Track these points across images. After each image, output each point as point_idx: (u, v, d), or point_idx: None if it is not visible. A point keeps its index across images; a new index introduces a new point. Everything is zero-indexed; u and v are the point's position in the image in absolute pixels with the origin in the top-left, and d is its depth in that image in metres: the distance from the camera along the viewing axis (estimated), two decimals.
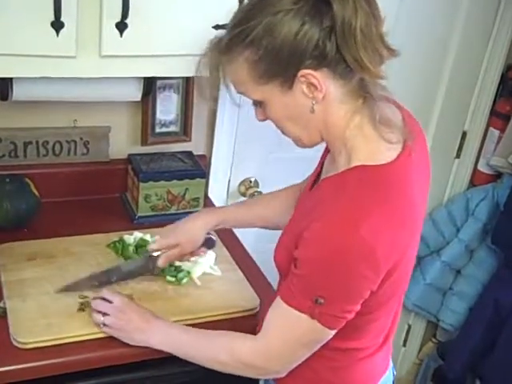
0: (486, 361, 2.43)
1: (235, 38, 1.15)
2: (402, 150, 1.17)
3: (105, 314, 1.39)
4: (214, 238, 1.65)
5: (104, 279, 1.53)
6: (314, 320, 1.14)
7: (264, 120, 1.25)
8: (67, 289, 1.49)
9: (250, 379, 1.33)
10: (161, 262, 1.55)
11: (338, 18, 1.07)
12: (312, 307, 1.13)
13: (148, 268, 1.57)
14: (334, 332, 1.18)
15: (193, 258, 1.61)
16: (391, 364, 1.48)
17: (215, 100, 1.26)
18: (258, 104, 1.22)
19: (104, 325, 1.39)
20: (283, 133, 1.25)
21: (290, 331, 1.20)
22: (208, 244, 1.62)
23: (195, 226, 1.56)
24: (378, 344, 1.34)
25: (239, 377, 1.30)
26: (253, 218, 1.60)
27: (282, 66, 1.12)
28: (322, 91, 1.13)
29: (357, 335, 1.27)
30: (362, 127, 1.17)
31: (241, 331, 1.32)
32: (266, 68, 1.13)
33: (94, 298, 1.43)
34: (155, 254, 1.56)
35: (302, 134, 1.22)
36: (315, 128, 1.20)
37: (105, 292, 1.44)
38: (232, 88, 1.24)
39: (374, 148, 1.16)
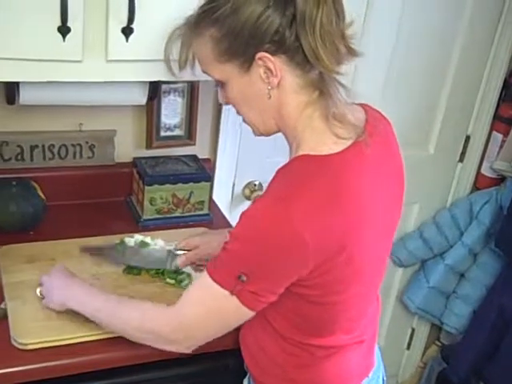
0: (491, 364, 2.43)
1: (204, 13, 1.21)
2: (352, 145, 1.19)
3: (41, 286, 1.45)
4: None
5: (117, 255, 1.57)
6: (233, 296, 1.16)
7: (226, 103, 1.31)
8: (85, 249, 1.55)
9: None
10: (180, 261, 1.57)
11: (299, 7, 1.12)
12: (234, 283, 1.15)
13: (165, 262, 1.58)
14: (251, 314, 1.19)
15: None
16: (381, 370, 1.47)
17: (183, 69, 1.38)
18: (219, 85, 1.27)
19: (42, 296, 1.43)
20: (244, 120, 1.30)
21: (206, 304, 1.21)
22: None
23: (218, 236, 1.58)
24: (349, 344, 1.32)
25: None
26: None
27: (242, 45, 1.17)
28: (278, 77, 1.17)
29: (322, 332, 1.27)
30: (312, 119, 1.20)
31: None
32: (227, 46, 1.18)
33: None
34: (178, 252, 1.58)
35: (257, 120, 1.26)
36: (270, 115, 1.24)
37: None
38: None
39: (319, 140, 1.19)
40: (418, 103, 2.37)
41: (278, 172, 1.20)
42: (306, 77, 1.19)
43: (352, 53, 1.20)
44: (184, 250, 1.58)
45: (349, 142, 1.19)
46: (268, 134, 1.30)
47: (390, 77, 2.24)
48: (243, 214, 1.15)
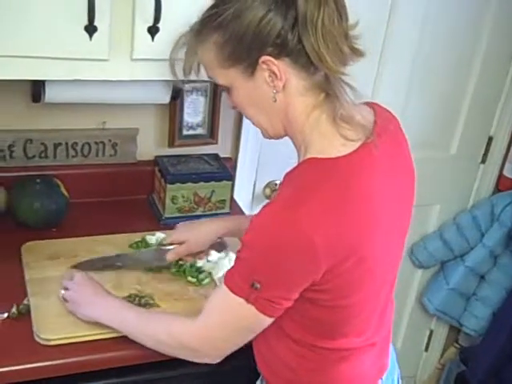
0: (511, 367, 2.42)
1: (207, 19, 1.22)
2: (360, 147, 1.18)
3: (66, 290, 1.44)
4: (226, 243, 1.67)
5: (110, 262, 1.59)
6: (249, 305, 1.16)
7: (234, 108, 1.31)
8: (77, 266, 1.56)
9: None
10: (169, 256, 1.59)
11: (300, 9, 1.12)
12: (248, 291, 1.15)
13: (157, 260, 1.60)
14: (270, 320, 1.19)
15: (199, 260, 1.63)
16: (396, 372, 1.47)
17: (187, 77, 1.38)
18: (226, 90, 1.27)
19: (65, 300, 1.43)
20: (253, 123, 1.30)
21: (226, 315, 1.22)
22: (218, 247, 1.63)
23: (206, 228, 1.61)
24: (361, 347, 1.31)
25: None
26: None
27: (244, 50, 1.17)
28: (282, 80, 1.17)
29: (334, 334, 1.26)
30: (319, 122, 1.20)
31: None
32: (230, 51, 1.19)
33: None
34: (166, 247, 1.60)
35: (265, 123, 1.26)
36: (278, 119, 1.24)
37: (72, 272, 1.50)
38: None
39: (327, 143, 1.19)
40: (441, 104, 2.36)
41: (286, 176, 1.20)
42: (311, 79, 1.18)
43: (356, 53, 1.19)
44: (174, 244, 1.61)
45: (357, 144, 1.18)
46: (277, 138, 1.30)
47: (413, 78, 2.23)
48: (252, 220, 1.15)
